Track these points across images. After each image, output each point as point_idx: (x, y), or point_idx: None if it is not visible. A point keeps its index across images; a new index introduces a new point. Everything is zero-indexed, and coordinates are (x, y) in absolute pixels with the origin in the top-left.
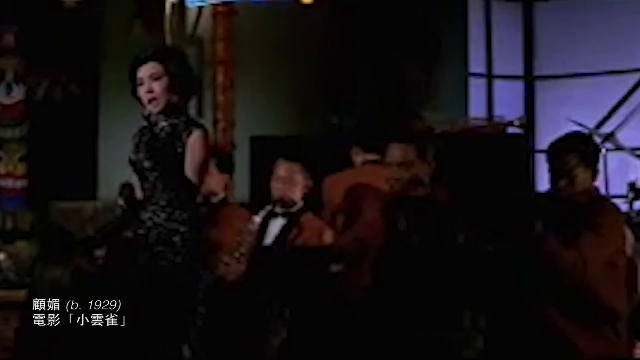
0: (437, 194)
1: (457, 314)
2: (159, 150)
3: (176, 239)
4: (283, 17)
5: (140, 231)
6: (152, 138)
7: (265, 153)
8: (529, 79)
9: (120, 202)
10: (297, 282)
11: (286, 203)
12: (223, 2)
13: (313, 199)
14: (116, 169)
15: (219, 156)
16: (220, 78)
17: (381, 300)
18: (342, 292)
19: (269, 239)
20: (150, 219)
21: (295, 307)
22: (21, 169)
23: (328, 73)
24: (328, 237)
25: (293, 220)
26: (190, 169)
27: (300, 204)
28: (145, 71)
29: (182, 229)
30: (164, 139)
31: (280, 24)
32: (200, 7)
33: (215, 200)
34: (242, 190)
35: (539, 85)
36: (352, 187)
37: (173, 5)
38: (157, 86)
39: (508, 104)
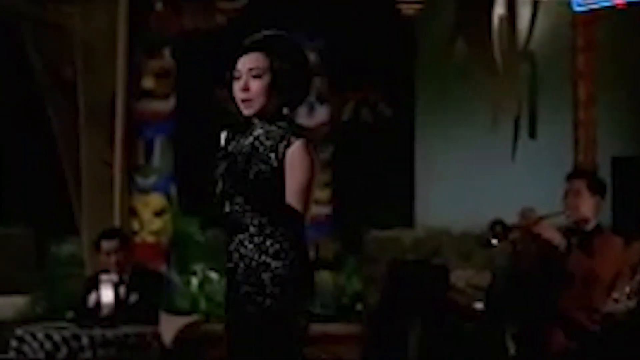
0: None
1: None
2: (248, 164)
3: (265, 276)
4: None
5: (229, 265)
6: (242, 149)
7: (628, 175)
8: None
9: (494, 242)
10: None
11: None
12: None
13: None
14: (437, 194)
15: (589, 177)
16: (581, 93)
17: None
18: None
19: None
20: (237, 249)
21: None
22: (325, 194)
23: None
24: None
25: None
26: (290, 190)
27: None
28: (245, 63)
29: (273, 264)
30: (256, 150)
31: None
32: (533, 20)
33: (588, 227)
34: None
35: None
36: None
37: (501, 18)
38: (256, 85)
39: None
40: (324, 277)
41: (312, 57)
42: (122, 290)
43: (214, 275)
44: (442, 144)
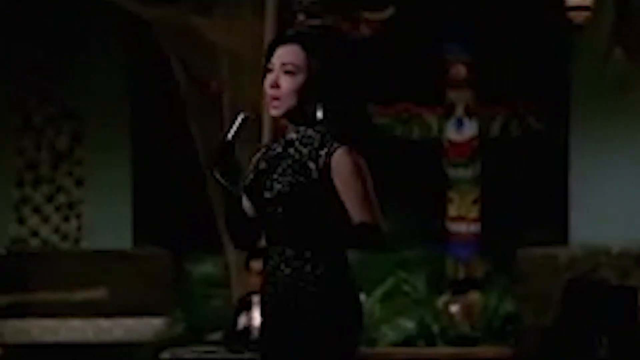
0: None
1: None
2: (283, 175)
3: (306, 305)
4: None
5: (263, 291)
6: (274, 158)
7: None
8: None
9: None
10: None
11: None
12: None
13: None
14: (593, 210)
15: None
16: None
17: None
18: None
19: None
20: (273, 273)
21: None
22: (474, 212)
23: None
24: None
25: None
26: (354, 203)
27: None
28: (280, 56)
29: (312, 289)
30: (290, 157)
31: None
32: None
33: None
34: None
35: None
36: None
37: None
38: (287, 83)
39: None
40: (473, 297)
41: (460, 69)
42: None
43: (360, 295)
44: (598, 158)
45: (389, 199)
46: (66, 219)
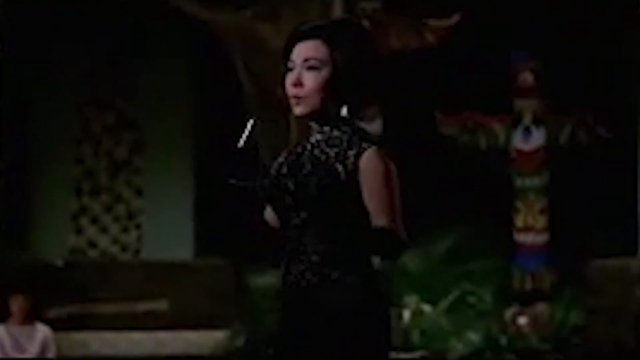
0: None
1: None
2: (308, 178)
3: (335, 314)
4: None
5: (286, 301)
6: (298, 161)
7: None
8: None
9: None
10: None
11: None
12: None
13: None
14: None
15: None
16: None
17: None
18: None
19: None
20: (296, 283)
21: None
22: (542, 222)
23: None
24: None
25: None
26: (379, 208)
27: None
28: (300, 52)
29: (340, 296)
30: (316, 159)
31: None
32: None
33: None
34: None
35: None
36: None
37: None
38: (311, 79)
39: None
40: (540, 309)
41: (527, 77)
42: None
43: (426, 307)
44: None
45: (455, 209)
46: (125, 229)
